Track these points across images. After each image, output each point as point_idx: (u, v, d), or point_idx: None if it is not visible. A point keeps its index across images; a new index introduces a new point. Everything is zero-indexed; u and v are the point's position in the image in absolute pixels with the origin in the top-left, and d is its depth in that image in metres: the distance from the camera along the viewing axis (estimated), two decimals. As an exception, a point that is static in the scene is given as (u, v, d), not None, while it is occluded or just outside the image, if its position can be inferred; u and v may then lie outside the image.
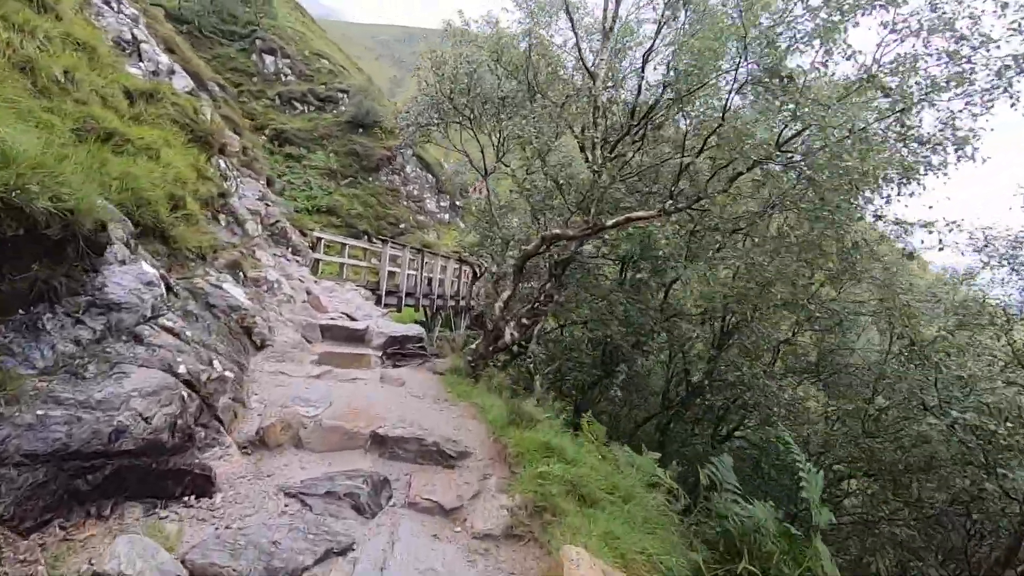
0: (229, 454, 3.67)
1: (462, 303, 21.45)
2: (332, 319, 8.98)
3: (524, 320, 6.68)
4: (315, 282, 10.77)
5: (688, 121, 8.54)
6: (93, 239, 3.49)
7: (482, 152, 11.68)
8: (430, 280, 18.82)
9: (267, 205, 10.81)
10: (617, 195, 8.09)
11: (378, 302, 14.87)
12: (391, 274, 16.03)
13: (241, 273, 7.02)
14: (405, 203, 29.80)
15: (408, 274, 16.39)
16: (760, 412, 9.80)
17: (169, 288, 4.85)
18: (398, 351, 7.06)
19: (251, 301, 6.45)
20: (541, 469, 3.79)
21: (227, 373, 4.25)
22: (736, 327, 10.19)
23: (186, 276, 5.69)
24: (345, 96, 31.78)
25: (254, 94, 30.45)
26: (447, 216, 31.54)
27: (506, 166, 11.32)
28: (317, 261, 15.02)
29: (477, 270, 14.15)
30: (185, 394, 3.44)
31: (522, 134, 8.77)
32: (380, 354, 7.29)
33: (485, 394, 5.71)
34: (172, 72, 9.39)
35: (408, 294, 16.54)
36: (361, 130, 30.67)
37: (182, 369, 3.66)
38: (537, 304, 6.75)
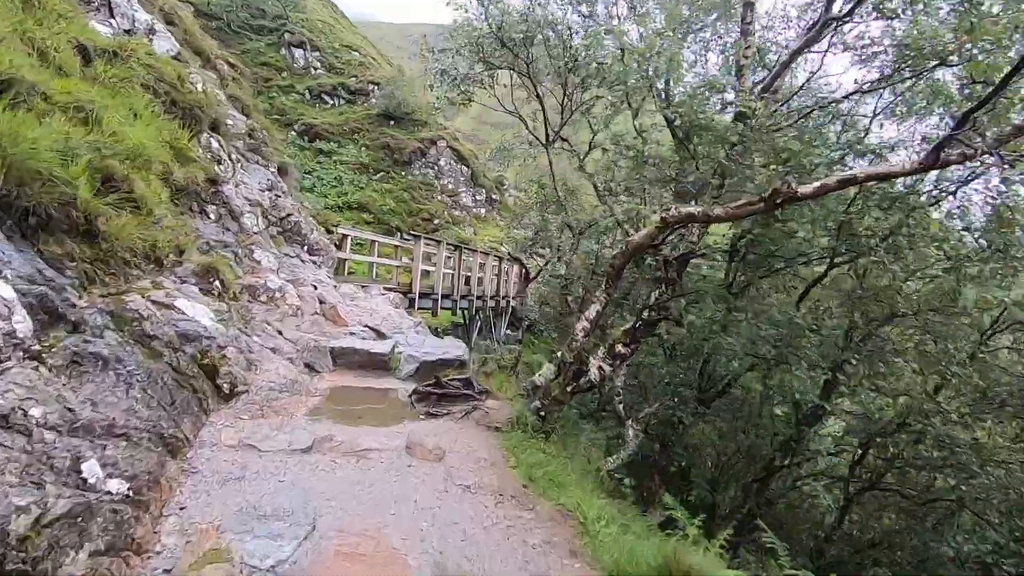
0: None
1: (502, 303, 19.37)
2: (351, 334, 6.98)
3: (621, 347, 4.53)
4: (335, 287, 8.80)
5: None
6: None
7: (543, 114, 9.00)
8: (468, 278, 16.78)
9: (276, 196, 8.88)
10: (782, 143, 5.45)
11: (411, 306, 12.90)
12: (425, 273, 14.04)
13: (218, 282, 5.03)
14: (439, 197, 27.86)
15: (444, 272, 14.36)
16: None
17: (55, 315, 2.85)
18: (433, 391, 4.96)
19: (224, 323, 4.44)
20: None
21: (116, 487, 2.23)
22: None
23: (116, 292, 3.69)
24: (376, 88, 29.98)
25: (283, 89, 28.93)
26: (483, 210, 29.49)
27: (564, 140, 8.97)
28: (343, 261, 13.13)
29: (528, 269, 11.22)
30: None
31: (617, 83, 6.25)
32: (409, 391, 5.23)
33: (578, 481, 3.57)
34: (152, 31, 7.49)
35: (444, 295, 14.52)
36: (393, 122, 28.83)
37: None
38: (641, 323, 4.60)
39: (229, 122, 8.95)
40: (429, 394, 5.06)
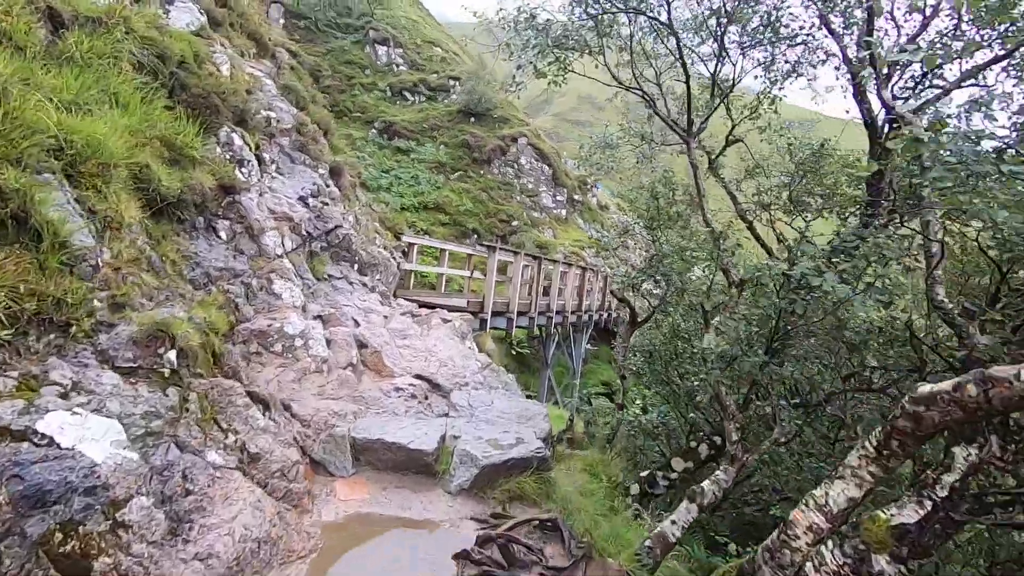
0: None
1: (584, 316, 17.17)
2: (396, 390, 5.11)
3: (886, 561, 2.27)
4: (384, 317, 6.99)
5: None
6: None
7: (687, 88, 5.94)
8: (547, 289, 14.74)
9: (323, 204, 7.17)
10: None
11: (481, 328, 11.02)
12: (499, 284, 12.13)
13: (172, 352, 3.21)
14: (518, 198, 25.95)
15: (521, 283, 12.36)
16: None
17: None
18: (493, 566, 2.86)
19: (146, 444, 2.60)
20: None
21: None
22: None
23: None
24: (456, 84, 28.47)
25: (366, 86, 28.01)
26: (563, 212, 27.30)
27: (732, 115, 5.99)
28: (408, 273, 11.45)
29: (635, 311, 7.69)
30: None
31: None
32: (466, 520, 3.25)
33: None
34: (169, 1, 5.93)
35: (521, 312, 12.55)
36: (473, 119, 27.20)
37: None
38: (944, 511, 2.38)
39: (272, 115, 7.36)
40: (487, 539, 3.04)
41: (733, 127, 5.72)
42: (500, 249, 11.24)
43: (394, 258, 11.12)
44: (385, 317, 6.91)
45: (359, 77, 28.33)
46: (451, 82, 28.64)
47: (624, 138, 6.30)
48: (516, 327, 12.45)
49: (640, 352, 5.93)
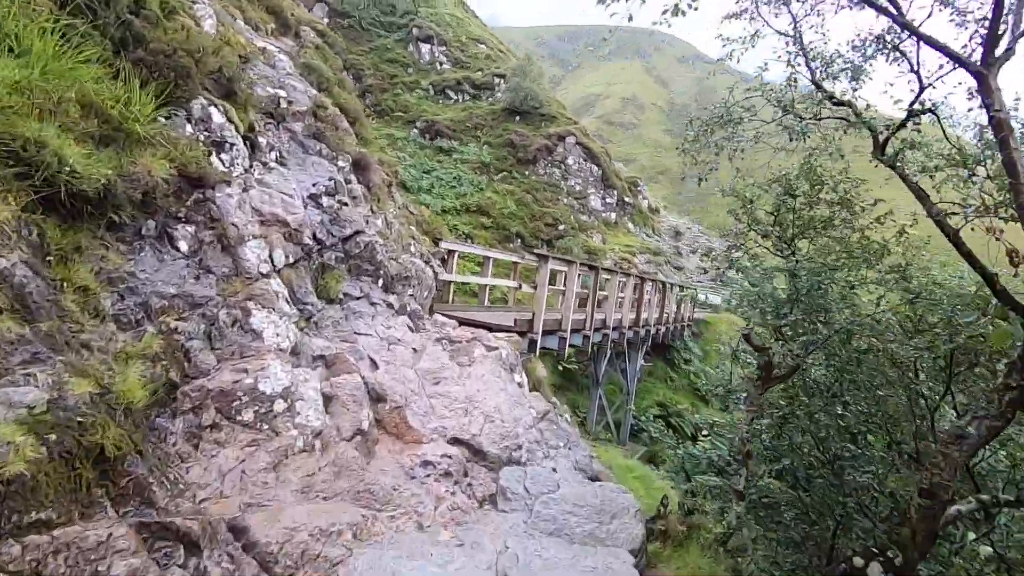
0: None
1: (641, 331, 15.24)
2: (424, 465, 3.47)
3: None
4: (415, 350, 5.36)
5: None
6: None
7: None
8: (601, 302, 12.93)
9: (339, 205, 5.60)
10: None
11: (531, 350, 9.33)
12: (551, 297, 10.41)
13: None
14: (565, 200, 24.15)
15: (575, 295, 10.58)
16: None
17: None
18: None
19: None
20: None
21: None
22: None
23: None
24: (502, 81, 26.90)
25: (408, 85, 26.76)
26: (613, 215, 25.33)
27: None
28: (447, 284, 9.86)
29: (771, 361, 5.31)
30: None
31: None
32: None
33: None
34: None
35: (574, 329, 10.79)
36: (518, 117, 25.56)
37: None
38: None
39: (282, 94, 5.86)
40: None
41: (921, 89, 3.70)
42: (553, 258, 9.51)
43: (431, 267, 9.54)
44: (415, 351, 5.27)
45: (401, 76, 27.12)
46: (496, 80, 27.10)
47: (749, 111, 4.44)
48: (569, 346, 10.70)
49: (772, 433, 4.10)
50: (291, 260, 4.43)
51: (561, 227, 22.79)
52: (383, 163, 12.35)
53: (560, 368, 17.84)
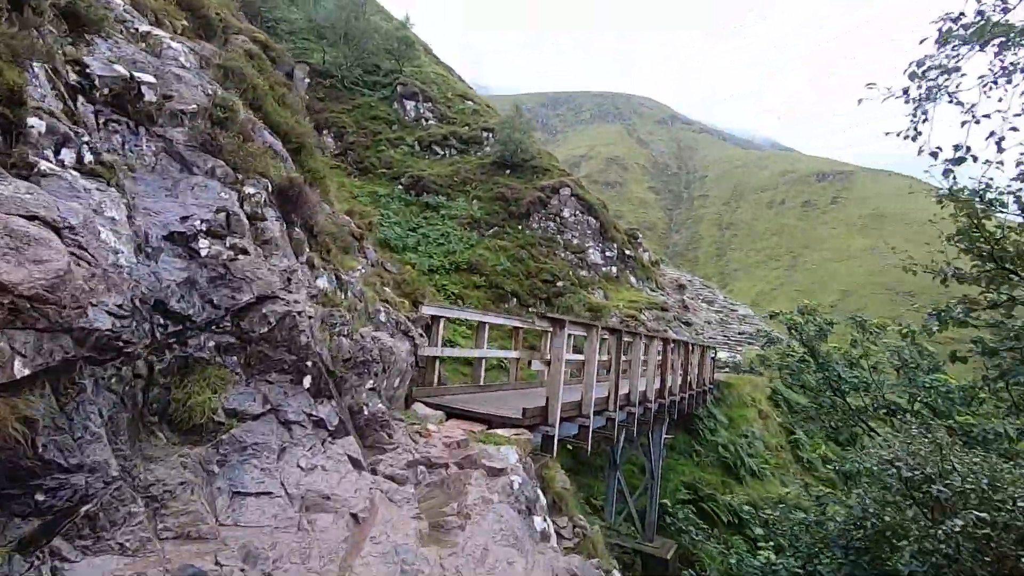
0: None
1: (666, 402, 12.63)
2: None
3: None
4: (355, 518, 2.82)
5: None
6: None
7: None
8: (626, 370, 10.44)
9: (235, 253, 3.20)
10: None
11: (546, 448, 6.77)
12: (566, 371, 7.88)
13: None
14: (562, 255, 22.04)
15: (596, 368, 8.04)
16: None
17: None
18: None
19: None
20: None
21: None
22: None
23: None
24: (490, 135, 25.40)
25: (392, 142, 25.15)
26: (614, 269, 23.18)
27: None
28: (432, 360, 7.39)
29: None
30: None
31: None
32: None
33: None
34: None
35: (597, 411, 8.25)
36: (509, 171, 23.84)
37: None
38: None
39: (146, 79, 3.61)
40: None
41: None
42: (571, 323, 7.08)
43: (410, 339, 7.08)
44: (355, 519, 2.73)
45: (385, 132, 25.55)
46: (484, 133, 25.60)
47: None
48: (593, 431, 8.10)
49: None
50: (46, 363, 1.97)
51: (559, 284, 20.54)
52: (354, 213, 10.04)
53: (569, 447, 15.11)
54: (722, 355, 22.82)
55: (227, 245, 3.25)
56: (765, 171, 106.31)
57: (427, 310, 7.24)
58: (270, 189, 4.07)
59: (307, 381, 3.38)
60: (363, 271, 7.63)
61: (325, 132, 24.70)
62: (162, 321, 2.64)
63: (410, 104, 26.89)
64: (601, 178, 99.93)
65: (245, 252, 3.30)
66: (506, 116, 25.30)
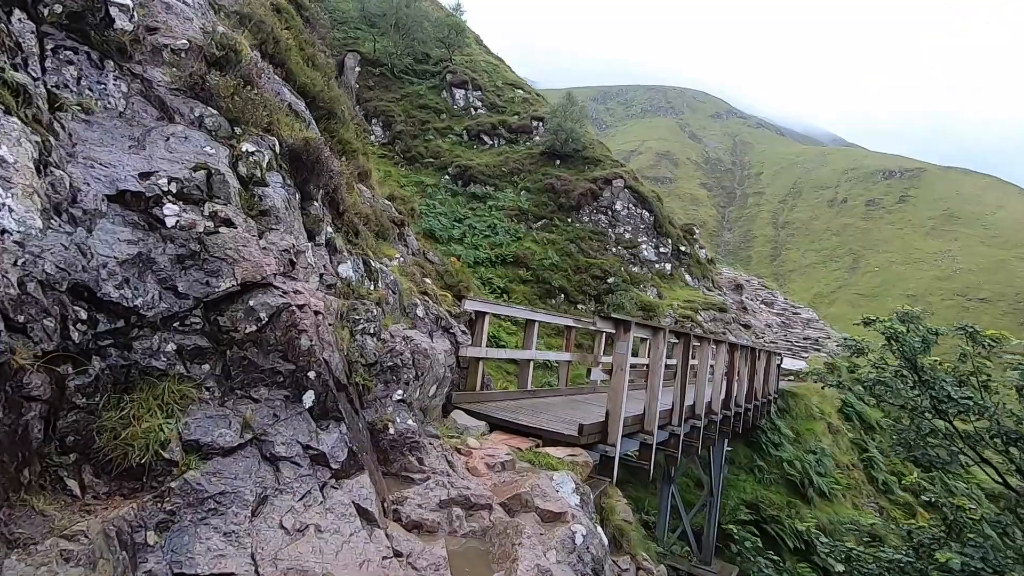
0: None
1: (730, 413, 11.34)
2: None
3: None
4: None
5: None
6: None
7: None
8: (692, 374, 9.24)
9: (217, 224, 2.35)
10: None
11: (605, 470, 5.75)
12: (628, 377, 6.80)
13: None
14: (614, 250, 20.80)
15: (663, 369, 6.94)
16: None
17: None
18: None
19: None
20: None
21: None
22: None
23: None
24: (540, 124, 24.34)
25: (440, 131, 24.48)
26: (668, 266, 21.76)
27: None
28: (476, 362, 6.48)
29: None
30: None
31: None
32: None
33: None
34: None
35: (662, 424, 7.17)
36: (559, 161, 22.74)
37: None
38: None
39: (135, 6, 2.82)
40: None
41: None
42: (637, 324, 6.02)
43: (450, 337, 6.19)
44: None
45: (434, 121, 24.90)
46: (534, 123, 24.58)
47: None
48: (657, 447, 7.01)
49: None
50: None
51: (610, 280, 19.35)
52: (395, 199, 9.25)
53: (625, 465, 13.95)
54: (797, 364, 21.07)
55: (205, 213, 2.40)
56: (826, 168, 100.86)
57: (471, 305, 6.32)
58: (278, 150, 3.22)
59: (308, 398, 2.50)
60: (402, 260, 6.80)
61: (374, 121, 24.29)
62: (86, 315, 1.81)
63: (459, 93, 26.15)
64: (651, 174, 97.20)
65: (230, 224, 2.44)
66: (557, 104, 24.17)
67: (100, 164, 2.14)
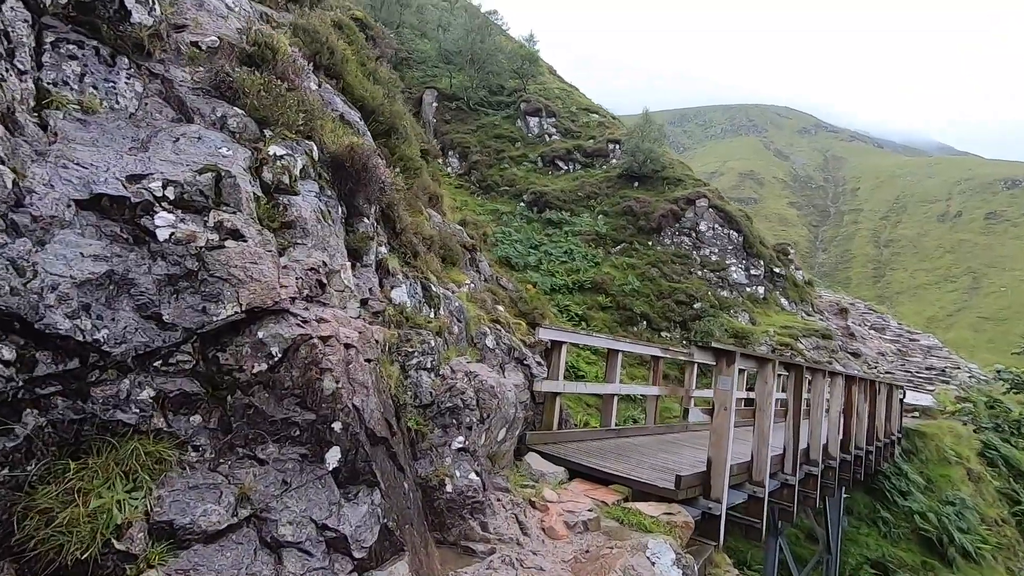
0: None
1: (849, 457, 9.73)
2: None
3: None
4: None
5: None
6: None
7: None
8: (806, 411, 7.95)
9: (223, 236, 1.84)
10: None
11: (708, 532, 4.77)
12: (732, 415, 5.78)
13: None
14: (699, 273, 19.41)
15: (772, 416, 5.86)
16: None
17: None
18: None
19: None
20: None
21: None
22: None
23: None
24: (617, 147, 23.62)
25: (515, 159, 24.39)
26: (761, 290, 19.97)
27: None
28: (553, 397, 5.75)
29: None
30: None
31: None
32: None
33: None
34: None
35: (772, 472, 6.05)
36: (637, 183, 21.82)
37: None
38: None
39: None
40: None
41: None
42: (742, 355, 5.08)
43: (525, 366, 5.54)
44: None
45: (509, 150, 24.87)
46: (610, 146, 23.89)
47: None
48: (769, 501, 5.89)
49: None
50: None
51: (696, 305, 17.96)
52: (468, 223, 8.84)
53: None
54: (922, 399, 18.45)
55: (209, 223, 1.92)
56: (933, 180, 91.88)
57: (546, 334, 5.64)
58: (316, 155, 2.76)
59: (332, 457, 1.92)
60: (472, 286, 6.27)
61: (450, 153, 24.65)
62: (13, 354, 1.33)
63: (533, 121, 26.06)
64: (734, 194, 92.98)
65: (238, 236, 1.96)
66: (634, 125, 23.38)
67: (76, 164, 1.72)
